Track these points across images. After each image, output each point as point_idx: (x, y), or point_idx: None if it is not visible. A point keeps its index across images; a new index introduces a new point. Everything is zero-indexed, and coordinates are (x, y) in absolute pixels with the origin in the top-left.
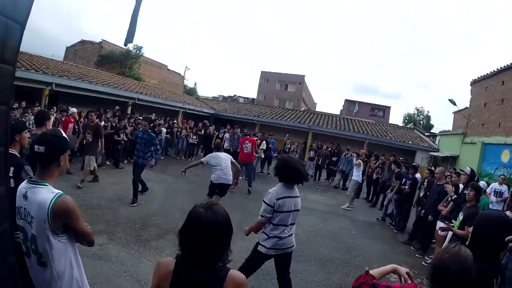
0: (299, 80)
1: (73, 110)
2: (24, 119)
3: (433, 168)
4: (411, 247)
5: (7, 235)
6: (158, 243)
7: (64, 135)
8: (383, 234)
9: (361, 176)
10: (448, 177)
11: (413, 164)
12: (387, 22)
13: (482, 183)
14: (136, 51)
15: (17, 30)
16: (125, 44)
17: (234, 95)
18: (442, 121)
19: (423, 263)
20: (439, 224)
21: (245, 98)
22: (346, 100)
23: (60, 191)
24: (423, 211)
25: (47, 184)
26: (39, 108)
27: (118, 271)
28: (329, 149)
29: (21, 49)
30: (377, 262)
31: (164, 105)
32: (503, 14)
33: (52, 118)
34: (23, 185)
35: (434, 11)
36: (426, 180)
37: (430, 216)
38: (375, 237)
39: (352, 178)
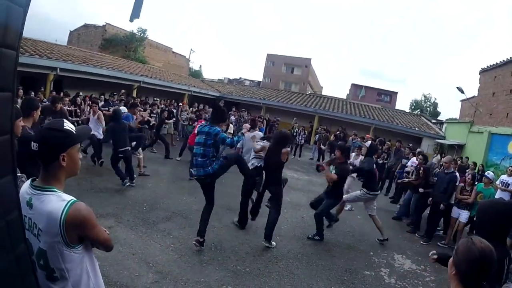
0: (305, 64)
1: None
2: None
3: (439, 154)
4: (416, 235)
5: (17, 224)
6: (165, 226)
7: (68, 127)
8: (388, 219)
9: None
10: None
11: (422, 152)
12: (393, 17)
13: (490, 174)
14: (140, 33)
15: (20, 13)
16: (131, 20)
17: (240, 78)
18: (449, 109)
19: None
20: (458, 211)
21: (250, 81)
22: (353, 85)
23: (72, 197)
24: (430, 199)
25: (55, 189)
26: (43, 93)
27: (126, 254)
28: (338, 132)
29: (24, 35)
30: (382, 247)
31: (169, 88)
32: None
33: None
34: (26, 189)
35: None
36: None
37: (442, 205)
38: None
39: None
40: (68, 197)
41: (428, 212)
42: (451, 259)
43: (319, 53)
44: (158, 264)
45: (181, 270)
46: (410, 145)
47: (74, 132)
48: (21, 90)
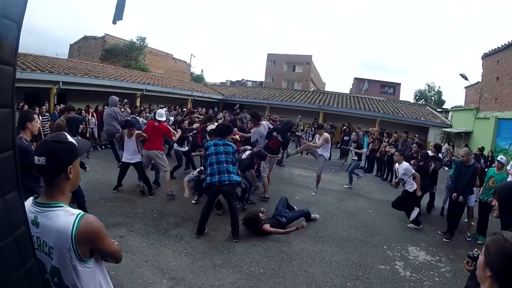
0: (306, 61)
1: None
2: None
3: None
4: (439, 232)
5: (25, 239)
6: (177, 232)
7: (71, 139)
8: (400, 212)
9: (328, 152)
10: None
11: (436, 143)
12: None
13: (503, 159)
14: (139, 42)
15: (13, 29)
16: (114, 22)
17: (242, 79)
18: (454, 97)
19: (445, 239)
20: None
21: (253, 81)
22: (355, 78)
23: (79, 210)
24: (454, 194)
25: (62, 204)
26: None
27: (140, 262)
28: (344, 127)
29: (25, 51)
30: (395, 240)
31: (172, 94)
32: None
33: (37, 119)
34: (29, 208)
35: None
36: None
37: (461, 197)
38: (391, 216)
39: (320, 154)
40: (76, 211)
41: (448, 207)
42: (481, 260)
43: (319, 50)
44: (172, 271)
45: (195, 275)
46: (417, 135)
47: (77, 145)
48: (26, 106)
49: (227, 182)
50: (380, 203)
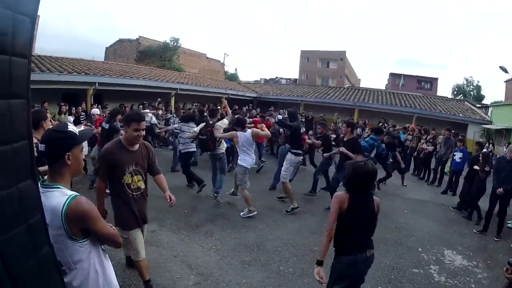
0: (340, 57)
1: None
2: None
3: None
4: (474, 230)
5: (40, 226)
6: (207, 228)
7: (71, 129)
8: (436, 213)
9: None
10: None
11: (479, 140)
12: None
13: None
14: (173, 43)
15: (27, 23)
16: None
17: (276, 77)
18: (495, 91)
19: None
20: None
21: (287, 79)
22: (391, 74)
23: (74, 192)
24: (500, 189)
25: (60, 186)
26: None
27: (169, 256)
28: (380, 124)
29: (63, 55)
30: (430, 242)
31: (206, 93)
32: None
33: (50, 117)
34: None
35: None
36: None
37: (500, 189)
38: (427, 217)
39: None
40: (70, 192)
41: (489, 206)
42: None
43: (353, 46)
44: (200, 266)
45: (223, 271)
46: (461, 135)
47: (77, 134)
48: (64, 107)
49: None
50: (416, 203)
